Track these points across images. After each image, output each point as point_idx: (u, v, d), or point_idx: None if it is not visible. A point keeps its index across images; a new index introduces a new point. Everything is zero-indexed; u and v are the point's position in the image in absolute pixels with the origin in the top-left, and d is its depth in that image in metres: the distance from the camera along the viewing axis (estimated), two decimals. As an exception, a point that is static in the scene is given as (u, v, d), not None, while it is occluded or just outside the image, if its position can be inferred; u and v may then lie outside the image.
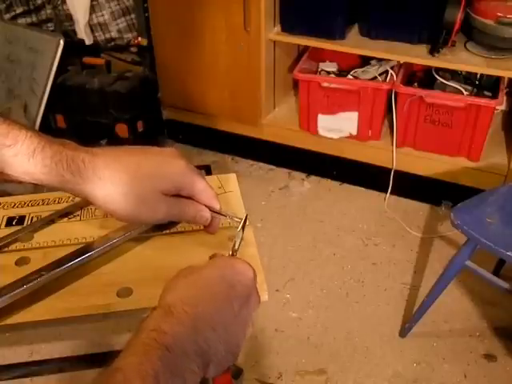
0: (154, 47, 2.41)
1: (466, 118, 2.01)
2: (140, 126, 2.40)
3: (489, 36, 1.92)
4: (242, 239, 0.63)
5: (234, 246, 0.62)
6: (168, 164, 0.64)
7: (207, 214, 0.68)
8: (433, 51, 1.97)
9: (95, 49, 2.54)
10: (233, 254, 0.61)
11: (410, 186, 2.26)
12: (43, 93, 2.27)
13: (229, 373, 0.82)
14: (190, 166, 0.65)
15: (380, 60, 2.22)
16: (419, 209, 2.25)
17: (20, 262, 0.75)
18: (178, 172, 0.64)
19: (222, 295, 0.49)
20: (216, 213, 0.69)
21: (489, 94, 2.05)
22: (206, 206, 0.68)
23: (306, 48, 2.33)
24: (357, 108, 2.17)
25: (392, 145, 2.18)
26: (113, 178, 0.61)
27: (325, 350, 1.73)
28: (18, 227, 0.81)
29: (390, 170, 2.20)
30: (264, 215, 2.22)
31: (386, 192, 2.27)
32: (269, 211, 2.25)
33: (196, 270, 0.51)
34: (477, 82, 2.10)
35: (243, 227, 0.64)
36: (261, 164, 2.52)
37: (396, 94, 2.09)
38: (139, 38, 2.52)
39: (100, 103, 2.34)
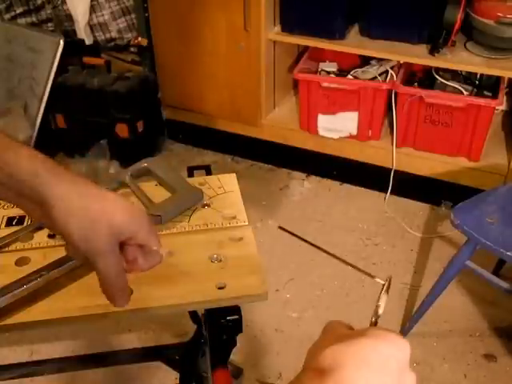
0: (154, 47, 2.41)
1: (466, 117, 2.01)
2: (140, 125, 2.40)
3: (489, 36, 1.92)
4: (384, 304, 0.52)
5: (377, 312, 0.51)
6: (122, 203, 0.60)
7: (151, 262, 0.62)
8: (433, 51, 1.97)
9: (95, 49, 2.54)
10: (375, 322, 0.51)
11: (410, 186, 2.26)
12: (43, 93, 2.27)
13: (228, 372, 0.82)
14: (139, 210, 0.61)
15: (380, 60, 2.22)
16: (419, 209, 2.25)
17: (20, 262, 0.75)
18: (132, 216, 0.59)
19: (376, 367, 0.43)
20: (356, 268, 0.58)
21: (489, 94, 2.05)
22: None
23: (306, 48, 2.33)
24: (357, 108, 2.17)
25: (392, 145, 2.18)
26: (79, 188, 0.58)
27: (325, 349, 1.72)
28: (18, 227, 0.81)
29: (390, 169, 2.20)
30: (264, 215, 2.22)
31: (386, 192, 2.27)
32: (269, 211, 2.25)
33: (348, 335, 0.45)
34: (477, 82, 2.10)
35: (388, 290, 0.53)
36: (261, 164, 2.52)
37: (396, 94, 2.09)
38: (139, 38, 2.52)
39: (100, 103, 2.34)
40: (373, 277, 0.56)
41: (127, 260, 0.61)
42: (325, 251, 0.58)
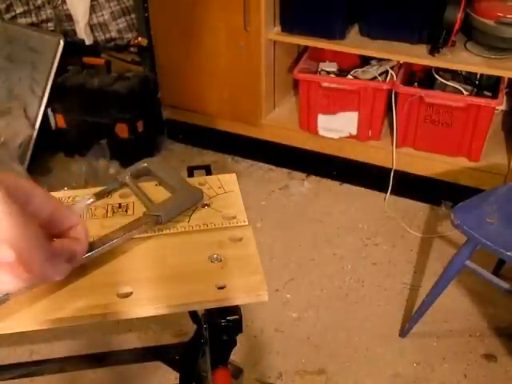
0: (154, 47, 2.41)
1: (466, 118, 2.01)
2: (140, 125, 2.41)
3: (489, 36, 1.92)
4: None
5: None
6: None
7: None
8: (433, 51, 1.97)
9: (95, 49, 2.55)
10: None
11: (410, 186, 2.26)
12: (43, 93, 2.27)
13: (228, 372, 0.82)
14: None
15: (380, 60, 2.22)
16: (419, 209, 2.25)
17: (20, 262, 0.75)
18: None
19: None
20: None
21: (489, 94, 2.05)
22: None
23: (306, 48, 2.33)
24: (357, 108, 2.17)
25: (392, 145, 2.18)
26: None
27: (325, 350, 1.73)
28: (18, 227, 0.81)
29: (390, 169, 2.20)
30: (264, 215, 2.22)
31: (386, 192, 2.27)
32: (269, 211, 2.25)
33: None
34: (477, 82, 2.10)
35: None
36: (261, 164, 2.52)
37: (396, 94, 2.09)
38: (139, 38, 2.53)
39: (100, 103, 2.34)
40: None
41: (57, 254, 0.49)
42: None
